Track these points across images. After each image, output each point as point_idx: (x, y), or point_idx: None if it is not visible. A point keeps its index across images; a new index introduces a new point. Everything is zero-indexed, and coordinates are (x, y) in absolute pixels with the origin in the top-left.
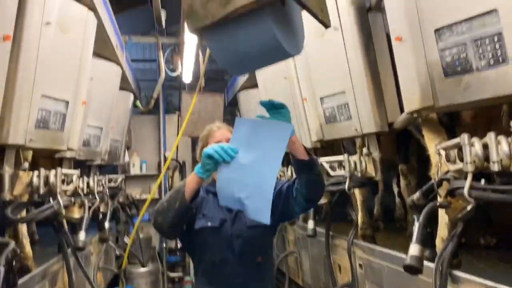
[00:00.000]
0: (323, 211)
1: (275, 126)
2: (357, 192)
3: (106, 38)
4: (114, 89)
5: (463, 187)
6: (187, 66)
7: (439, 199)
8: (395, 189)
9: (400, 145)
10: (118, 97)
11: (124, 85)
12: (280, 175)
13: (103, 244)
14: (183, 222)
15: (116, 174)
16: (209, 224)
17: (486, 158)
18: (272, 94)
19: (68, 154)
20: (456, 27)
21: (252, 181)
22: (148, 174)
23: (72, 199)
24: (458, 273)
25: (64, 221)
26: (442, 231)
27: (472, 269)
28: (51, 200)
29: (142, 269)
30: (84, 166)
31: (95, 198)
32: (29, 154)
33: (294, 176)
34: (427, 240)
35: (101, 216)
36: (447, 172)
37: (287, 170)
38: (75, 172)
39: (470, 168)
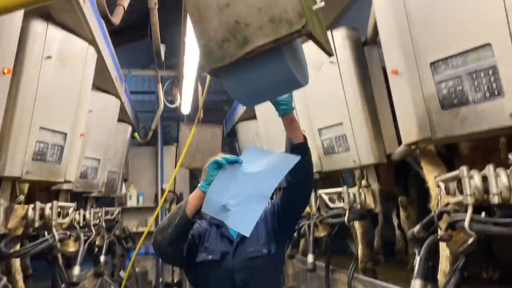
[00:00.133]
0: (323, 243)
1: (282, 156)
2: (356, 224)
3: (106, 71)
4: (112, 121)
5: (463, 220)
6: (186, 98)
7: (440, 232)
8: (395, 221)
9: (399, 176)
10: (116, 129)
11: (122, 117)
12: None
13: (98, 278)
14: (183, 239)
15: (112, 206)
16: (209, 257)
17: (486, 190)
18: (270, 125)
19: (65, 186)
20: (451, 60)
21: (247, 192)
22: (145, 206)
23: (68, 233)
24: None
25: (59, 255)
26: (444, 264)
27: None
28: (46, 233)
29: None
30: (81, 198)
31: (91, 231)
32: (25, 187)
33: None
34: (429, 274)
35: (96, 249)
36: (447, 204)
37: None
38: (71, 205)
39: (470, 200)
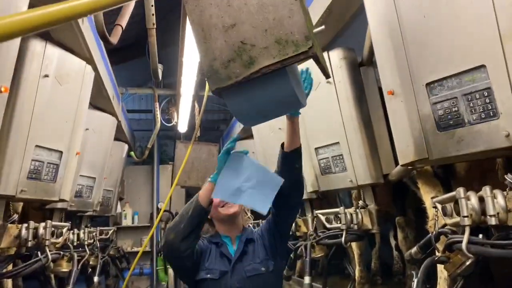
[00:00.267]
0: (320, 264)
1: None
2: (354, 245)
3: (103, 89)
4: (108, 139)
5: (461, 242)
6: (183, 117)
7: (437, 254)
8: (393, 242)
9: (397, 197)
10: (112, 147)
11: (119, 136)
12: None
13: None
14: (197, 232)
15: (107, 224)
16: (208, 276)
17: (483, 211)
18: (267, 144)
19: (59, 205)
20: (446, 81)
21: (260, 177)
22: (140, 225)
23: (61, 253)
24: None
25: (52, 275)
26: (442, 286)
27: None
28: (39, 253)
29: None
30: (75, 217)
31: (85, 251)
32: (20, 206)
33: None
34: None
35: (90, 270)
36: (445, 225)
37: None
38: (66, 225)
39: (467, 222)
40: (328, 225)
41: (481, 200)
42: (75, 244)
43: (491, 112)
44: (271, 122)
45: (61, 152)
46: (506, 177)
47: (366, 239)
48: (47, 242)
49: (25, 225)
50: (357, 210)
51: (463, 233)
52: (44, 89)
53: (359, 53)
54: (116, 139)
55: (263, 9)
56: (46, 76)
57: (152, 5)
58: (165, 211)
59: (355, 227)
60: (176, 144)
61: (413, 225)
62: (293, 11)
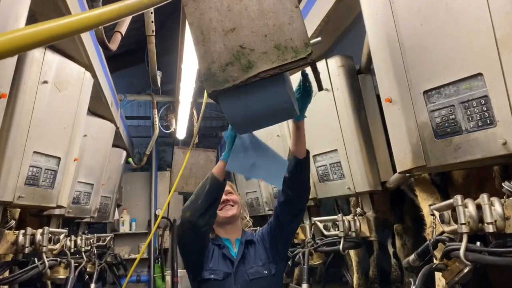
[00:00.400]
0: (318, 272)
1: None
2: (352, 252)
3: (102, 96)
4: (107, 146)
5: (458, 249)
6: (181, 124)
7: (435, 261)
8: (391, 250)
9: (395, 204)
10: (110, 154)
11: (117, 142)
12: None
13: None
14: (214, 207)
15: (105, 231)
16: (212, 277)
17: (481, 219)
18: None
19: (57, 211)
20: (444, 89)
21: (271, 152)
22: (138, 232)
23: (58, 259)
24: None
25: (49, 282)
26: None
27: None
28: (36, 260)
29: None
30: (72, 224)
31: (82, 257)
32: (17, 212)
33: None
34: None
35: (87, 276)
36: (442, 233)
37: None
38: (63, 231)
39: (464, 229)
40: (326, 233)
41: (479, 207)
42: (72, 250)
43: (488, 120)
44: (269, 129)
45: (59, 158)
46: (504, 185)
47: (364, 247)
48: (44, 249)
49: (22, 231)
50: (355, 218)
51: (460, 240)
52: (43, 95)
53: (357, 61)
54: (114, 145)
55: (263, 15)
56: (45, 82)
57: (151, 12)
58: (163, 217)
59: (353, 234)
60: (174, 150)
61: (411, 233)
62: (294, 18)
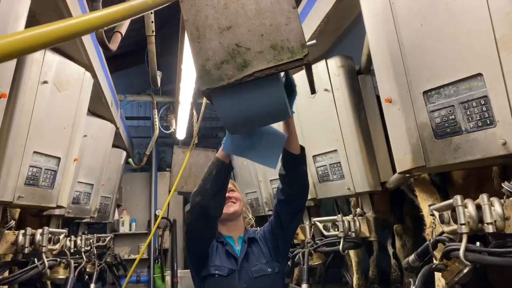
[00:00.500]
0: (317, 272)
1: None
2: (351, 253)
3: (102, 96)
4: (107, 146)
5: (458, 249)
6: (181, 124)
7: (435, 261)
8: (390, 250)
9: (394, 204)
10: (110, 154)
11: (117, 143)
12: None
13: None
14: (224, 190)
15: (105, 231)
16: (217, 272)
17: (480, 219)
18: None
19: (57, 212)
20: (443, 90)
21: (267, 132)
22: (138, 232)
23: (58, 259)
24: None
25: (48, 282)
26: None
27: None
28: (35, 260)
29: None
30: (72, 224)
31: (82, 258)
32: (17, 212)
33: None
34: None
35: (87, 277)
36: (442, 233)
37: None
38: (63, 231)
39: (464, 229)
40: (325, 233)
41: (479, 207)
42: (72, 251)
43: (488, 120)
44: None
45: (59, 158)
46: (503, 185)
47: (363, 247)
48: (44, 249)
49: (22, 231)
50: (355, 218)
51: (460, 240)
52: (43, 96)
53: (357, 61)
54: (114, 146)
55: (260, 14)
56: (45, 82)
57: (151, 13)
58: (162, 218)
59: (353, 234)
60: (174, 149)
61: (411, 233)
62: (291, 19)
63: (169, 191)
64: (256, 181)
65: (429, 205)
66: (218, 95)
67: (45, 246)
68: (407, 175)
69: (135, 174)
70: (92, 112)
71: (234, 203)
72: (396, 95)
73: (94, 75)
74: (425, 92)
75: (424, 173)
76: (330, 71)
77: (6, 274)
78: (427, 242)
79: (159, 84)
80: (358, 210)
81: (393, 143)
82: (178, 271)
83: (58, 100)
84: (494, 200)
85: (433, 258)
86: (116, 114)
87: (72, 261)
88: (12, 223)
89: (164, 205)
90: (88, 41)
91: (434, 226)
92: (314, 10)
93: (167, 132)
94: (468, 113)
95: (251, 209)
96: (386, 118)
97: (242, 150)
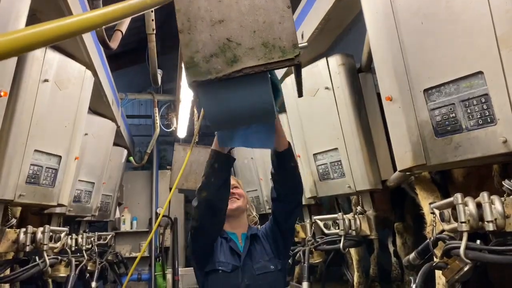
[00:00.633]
0: (318, 270)
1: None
2: (352, 251)
3: (103, 95)
4: (108, 145)
5: (458, 247)
6: (182, 122)
7: (435, 260)
8: (391, 248)
9: (395, 203)
10: (111, 152)
11: (118, 141)
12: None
13: None
14: (228, 181)
15: (106, 230)
16: (220, 268)
17: (481, 217)
18: (266, 150)
19: (58, 210)
20: (444, 88)
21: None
22: (139, 230)
23: (59, 257)
24: None
25: (50, 280)
26: None
27: None
28: (37, 258)
29: None
30: (73, 222)
31: (83, 256)
32: (18, 210)
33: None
34: None
35: (88, 275)
36: (442, 231)
37: None
38: (64, 230)
39: (464, 227)
40: (326, 231)
41: (479, 206)
42: (73, 249)
43: (488, 118)
44: None
45: (60, 156)
46: (504, 183)
47: (364, 245)
48: (45, 247)
49: (23, 229)
50: (355, 216)
51: (461, 239)
52: (43, 94)
53: (358, 59)
54: (115, 144)
55: (254, 11)
56: (46, 81)
57: (152, 11)
58: (164, 216)
59: (353, 233)
60: (175, 147)
61: (412, 231)
62: (284, 18)
63: (170, 189)
64: (257, 179)
65: (430, 203)
66: (205, 89)
67: (46, 244)
68: (407, 173)
69: (136, 172)
70: (93, 110)
71: (238, 199)
72: (396, 93)
73: (95, 74)
74: (425, 90)
75: (425, 171)
76: (330, 69)
77: (8, 272)
78: (428, 240)
79: (159, 83)
80: (359, 208)
81: (393, 141)
82: (179, 269)
83: (59, 98)
84: (495, 198)
85: (434, 256)
86: (117, 113)
87: (73, 259)
88: (13, 221)
89: (165, 203)
90: (89, 39)
91: (434, 224)
92: (314, 8)
93: (168, 130)
94: (469, 111)
95: None
96: (386, 116)
97: (235, 139)
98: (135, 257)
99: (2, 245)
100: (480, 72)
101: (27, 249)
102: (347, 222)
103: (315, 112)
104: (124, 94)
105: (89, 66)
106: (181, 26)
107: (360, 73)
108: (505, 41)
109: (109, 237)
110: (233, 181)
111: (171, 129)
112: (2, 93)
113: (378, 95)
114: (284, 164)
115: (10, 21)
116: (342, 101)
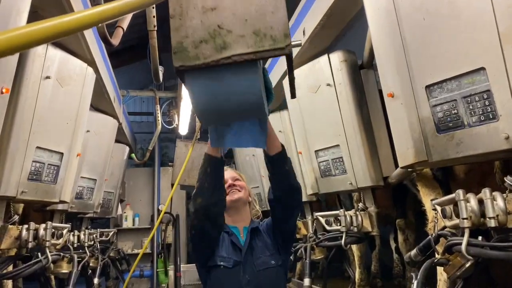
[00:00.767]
0: (320, 267)
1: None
2: (354, 247)
3: (104, 92)
4: (110, 141)
5: (460, 244)
6: (184, 119)
7: (437, 256)
8: (393, 245)
9: (397, 199)
10: (113, 149)
11: (120, 138)
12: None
13: None
14: (222, 182)
15: (108, 226)
16: (222, 263)
17: (482, 214)
18: None
19: (60, 207)
20: (446, 84)
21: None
22: (141, 227)
23: (61, 254)
24: None
25: (52, 277)
26: None
27: None
28: (39, 254)
29: None
30: (75, 219)
31: (85, 252)
32: (20, 207)
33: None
34: None
35: (90, 271)
36: (444, 227)
37: None
38: (66, 226)
39: (466, 224)
40: (328, 227)
41: (481, 202)
42: (75, 245)
43: (490, 115)
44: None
45: (62, 153)
46: (506, 179)
47: (366, 242)
48: (47, 244)
49: (26, 226)
50: (357, 213)
51: (462, 235)
52: (45, 91)
53: (360, 56)
54: (117, 141)
55: (247, 0)
56: (48, 77)
57: (153, 7)
58: (165, 213)
59: (355, 229)
60: (176, 143)
61: (413, 227)
62: (278, 8)
63: (172, 185)
64: (259, 176)
65: (431, 200)
66: (192, 75)
67: (48, 241)
68: (409, 169)
69: (138, 169)
70: (94, 107)
71: (239, 191)
72: (398, 90)
73: (96, 70)
74: (427, 87)
75: (426, 167)
76: (332, 66)
77: (10, 268)
78: (429, 236)
79: (161, 80)
80: (361, 204)
81: (395, 137)
82: (181, 265)
83: (61, 95)
84: (497, 194)
85: (435, 253)
86: (118, 110)
87: (76, 256)
88: (16, 218)
89: (167, 200)
90: (90, 36)
91: (436, 221)
92: (316, 4)
93: (170, 127)
94: (471, 107)
95: None
96: (388, 112)
97: (227, 139)
98: (137, 254)
99: (5, 241)
100: (482, 68)
101: (30, 245)
102: (348, 218)
103: (317, 109)
104: (125, 91)
105: (91, 63)
106: (173, 11)
107: (362, 70)
108: (508, 37)
109: (111, 233)
110: (234, 174)
111: (172, 126)
112: (4, 90)
113: (380, 91)
114: (278, 168)
115: (11, 18)
116: (344, 97)
